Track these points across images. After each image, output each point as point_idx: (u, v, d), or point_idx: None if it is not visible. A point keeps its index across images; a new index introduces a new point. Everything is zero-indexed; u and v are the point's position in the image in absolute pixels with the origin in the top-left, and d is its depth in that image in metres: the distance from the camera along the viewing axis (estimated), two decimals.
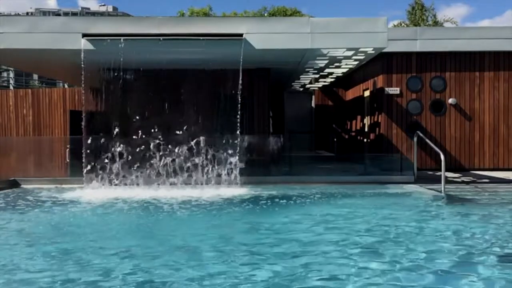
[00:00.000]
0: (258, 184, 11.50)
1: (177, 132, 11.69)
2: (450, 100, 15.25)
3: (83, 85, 13.14)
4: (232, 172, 11.38)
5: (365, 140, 17.69)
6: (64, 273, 5.20)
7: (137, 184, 11.25)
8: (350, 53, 12.70)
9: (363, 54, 12.95)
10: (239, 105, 12.01)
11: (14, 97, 19.62)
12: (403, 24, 36.43)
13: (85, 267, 5.46)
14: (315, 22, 11.76)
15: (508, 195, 10.54)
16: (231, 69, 12.36)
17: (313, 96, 22.50)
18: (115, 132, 11.48)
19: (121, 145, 11.30)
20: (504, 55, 15.29)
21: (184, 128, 11.89)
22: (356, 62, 14.43)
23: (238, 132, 11.81)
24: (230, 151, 11.51)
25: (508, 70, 15.30)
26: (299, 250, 6.09)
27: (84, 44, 11.35)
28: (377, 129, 15.97)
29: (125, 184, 11.22)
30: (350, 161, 16.17)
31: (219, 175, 11.41)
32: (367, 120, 17.46)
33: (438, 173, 11.90)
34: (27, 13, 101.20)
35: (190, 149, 11.51)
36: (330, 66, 15.15)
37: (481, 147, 15.31)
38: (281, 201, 9.80)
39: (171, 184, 11.26)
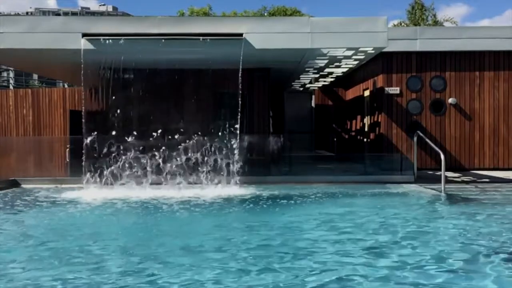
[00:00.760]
0: (258, 184, 11.50)
1: (177, 131, 11.68)
2: (450, 100, 15.25)
3: (83, 85, 13.14)
4: (232, 172, 11.37)
5: (365, 140, 17.69)
6: (56, 273, 5.21)
7: (138, 184, 11.23)
8: (350, 52, 12.69)
9: (363, 54, 12.94)
10: (239, 105, 12.01)
11: (14, 97, 19.61)
12: (403, 24, 36.42)
13: (78, 266, 5.44)
14: (315, 22, 11.76)
15: (509, 194, 10.55)
16: (231, 69, 12.36)
17: (313, 96, 22.50)
18: (115, 132, 11.47)
19: (121, 145, 11.29)
20: (504, 55, 15.28)
21: (184, 127, 11.88)
22: (356, 62, 14.43)
23: (238, 132, 11.81)
24: (230, 151, 11.50)
25: (508, 70, 15.29)
26: (307, 248, 6.13)
27: (84, 44, 11.34)
28: (377, 129, 15.97)
29: (125, 184, 11.21)
30: (350, 161, 16.18)
31: (219, 175, 11.40)
32: (367, 120, 17.45)
33: (438, 173, 11.90)
34: (27, 13, 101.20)
35: (190, 149, 11.50)
36: (330, 66, 15.14)
37: (481, 147, 15.30)
38: (282, 201, 9.79)
39: (171, 184, 11.24)
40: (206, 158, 11.46)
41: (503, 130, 15.31)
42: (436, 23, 35.71)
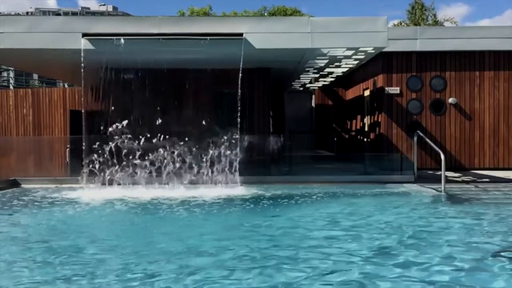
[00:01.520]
0: (258, 184, 11.49)
1: (177, 131, 11.68)
2: (450, 100, 15.24)
3: (83, 85, 13.14)
4: (232, 172, 11.37)
5: (365, 139, 17.68)
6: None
7: (138, 184, 11.23)
8: (350, 52, 12.69)
9: (363, 54, 12.94)
10: (239, 105, 12.00)
11: (14, 97, 19.60)
12: (403, 24, 36.43)
13: (71, 267, 5.45)
14: (315, 21, 11.76)
15: (509, 194, 10.55)
16: (231, 68, 12.35)
17: (313, 96, 22.50)
18: (115, 132, 11.46)
19: (121, 145, 11.29)
20: (504, 55, 15.28)
21: (184, 127, 11.88)
22: (356, 62, 14.43)
23: (238, 131, 11.80)
24: (230, 151, 11.49)
25: (508, 70, 15.29)
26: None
27: (84, 44, 11.34)
28: (377, 128, 15.97)
29: (125, 184, 11.21)
30: (350, 161, 16.18)
31: (219, 175, 11.39)
32: (367, 120, 17.45)
33: (438, 173, 11.90)
34: (27, 13, 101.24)
35: (190, 149, 11.50)
36: (330, 66, 15.14)
37: (481, 147, 15.30)
38: (283, 201, 9.80)
39: (171, 184, 11.24)
40: (206, 158, 11.45)
41: (503, 130, 15.30)
42: (436, 23, 35.71)
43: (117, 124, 11.32)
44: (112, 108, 12.32)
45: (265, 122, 15.18)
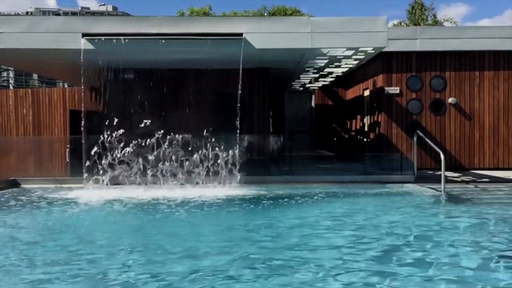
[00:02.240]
0: (258, 184, 11.49)
1: (177, 131, 11.67)
2: (450, 100, 15.25)
3: (83, 85, 13.13)
4: (232, 172, 11.36)
5: (365, 139, 17.69)
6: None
7: (138, 184, 11.23)
8: (350, 52, 12.69)
9: (363, 54, 12.94)
10: (239, 105, 12.00)
11: (14, 97, 19.60)
12: (403, 24, 36.44)
13: (67, 267, 5.45)
14: (315, 21, 11.76)
15: (509, 194, 10.55)
16: (231, 68, 12.35)
17: (313, 96, 22.50)
18: (115, 132, 11.46)
19: (121, 145, 11.29)
20: (504, 55, 15.28)
21: (184, 127, 11.87)
22: (356, 62, 14.42)
23: (238, 131, 11.80)
24: (230, 151, 11.49)
25: (508, 70, 15.29)
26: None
27: (84, 44, 11.34)
28: (377, 128, 15.97)
29: (125, 184, 11.21)
30: (350, 161, 16.18)
31: (219, 175, 11.39)
32: (367, 120, 17.46)
33: (438, 173, 11.90)
34: (27, 13, 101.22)
35: (189, 149, 11.50)
36: (330, 66, 15.14)
37: (481, 147, 15.30)
38: (283, 200, 9.80)
39: (171, 184, 11.24)
40: (206, 158, 11.45)
41: (503, 130, 15.31)
42: (436, 23, 35.72)
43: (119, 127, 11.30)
44: (112, 108, 12.32)
45: (265, 122, 15.17)
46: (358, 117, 18.80)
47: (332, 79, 18.75)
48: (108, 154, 11.20)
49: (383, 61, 15.19)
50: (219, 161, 11.43)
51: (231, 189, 11.00)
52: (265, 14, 47.00)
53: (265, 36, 11.55)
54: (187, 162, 11.42)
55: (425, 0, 36.90)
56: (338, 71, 16.53)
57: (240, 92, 12.02)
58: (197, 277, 5.00)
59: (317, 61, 14.09)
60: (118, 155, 11.23)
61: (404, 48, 15.00)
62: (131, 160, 11.30)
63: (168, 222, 8.10)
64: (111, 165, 11.16)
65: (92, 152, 11.12)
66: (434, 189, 10.87)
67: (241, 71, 11.80)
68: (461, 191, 10.80)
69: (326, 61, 14.10)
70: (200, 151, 11.47)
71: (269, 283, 4.87)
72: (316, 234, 7.10)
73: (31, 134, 19.10)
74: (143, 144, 11.36)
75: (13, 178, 12.25)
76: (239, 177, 11.28)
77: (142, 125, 11.66)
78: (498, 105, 15.32)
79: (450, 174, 13.56)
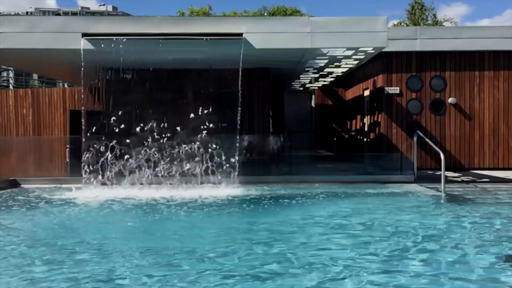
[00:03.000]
0: (258, 184, 11.49)
1: (177, 131, 11.67)
2: (450, 100, 15.25)
3: (82, 85, 13.13)
4: (231, 172, 11.36)
5: (365, 139, 17.69)
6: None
7: (137, 184, 11.22)
8: (350, 52, 12.69)
9: (363, 54, 12.95)
10: (239, 105, 12.00)
11: (14, 97, 19.58)
12: (402, 24, 36.49)
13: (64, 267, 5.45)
14: (315, 21, 11.76)
15: (509, 194, 10.55)
16: (231, 68, 12.35)
17: (313, 96, 22.50)
18: (114, 132, 11.46)
19: (121, 145, 11.29)
20: (504, 55, 15.28)
21: (184, 128, 11.87)
22: (356, 62, 14.43)
23: (237, 131, 11.80)
24: (229, 151, 11.49)
25: (508, 70, 15.29)
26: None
27: (84, 44, 11.34)
28: (377, 128, 15.97)
29: (124, 184, 11.20)
30: (350, 161, 16.18)
31: (219, 175, 11.39)
32: (367, 120, 17.46)
33: (438, 173, 11.90)
34: (27, 13, 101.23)
35: (189, 149, 11.49)
36: (330, 66, 15.14)
37: (481, 147, 15.30)
38: (283, 200, 9.80)
39: (170, 184, 11.23)
40: (206, 158, 11.44)
41: (503, 130, 15.31)
42: (436, 23, 35.75)
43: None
44: (111, 108, 12.32)
45: (265, 122, 15.17)
46: (358, 117, 18.80)
47: (332, 79, 18.76)
48: (108, 154, 11.19)
49: (383, 61, 15.19)
50: (219, 161, 11.41)
51: (231, 189, 10.99)
52: (265, 14, 47.03)
53: (265, 36, 11.55)
54: (187, 162, 11.41)
55: (425, 0, 36.95)
56: (338, 71, 16.53)
57: (240, 92, 12.02)
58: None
59: (317, 61, 14.09)
60: (118, 155, 11.22)
61: (404, 48, 15.00)
62: (131, 160, 11.28)
63: (169, 222, 8.10)
64: (111, 165, 11.16)
65: (92, 152, 11.12)
66: (434, 189, 10.87)
67: (241, 71, 11.79)
68: (461, 191, 10.80)
69: (326, 61, 14.10)
70: (199, 152, 11.45)
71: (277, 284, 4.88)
72: (316, 234, 7.09)
73: (31, 134, 19.09)
74: (142, 144, 11.35)
75: (13, 178, 12.25)
76: (238, 177, 11.25)
77: (142, 124, 11.66)
78: (498, 105, 15.31)
79: (450, 174, 13.55)
